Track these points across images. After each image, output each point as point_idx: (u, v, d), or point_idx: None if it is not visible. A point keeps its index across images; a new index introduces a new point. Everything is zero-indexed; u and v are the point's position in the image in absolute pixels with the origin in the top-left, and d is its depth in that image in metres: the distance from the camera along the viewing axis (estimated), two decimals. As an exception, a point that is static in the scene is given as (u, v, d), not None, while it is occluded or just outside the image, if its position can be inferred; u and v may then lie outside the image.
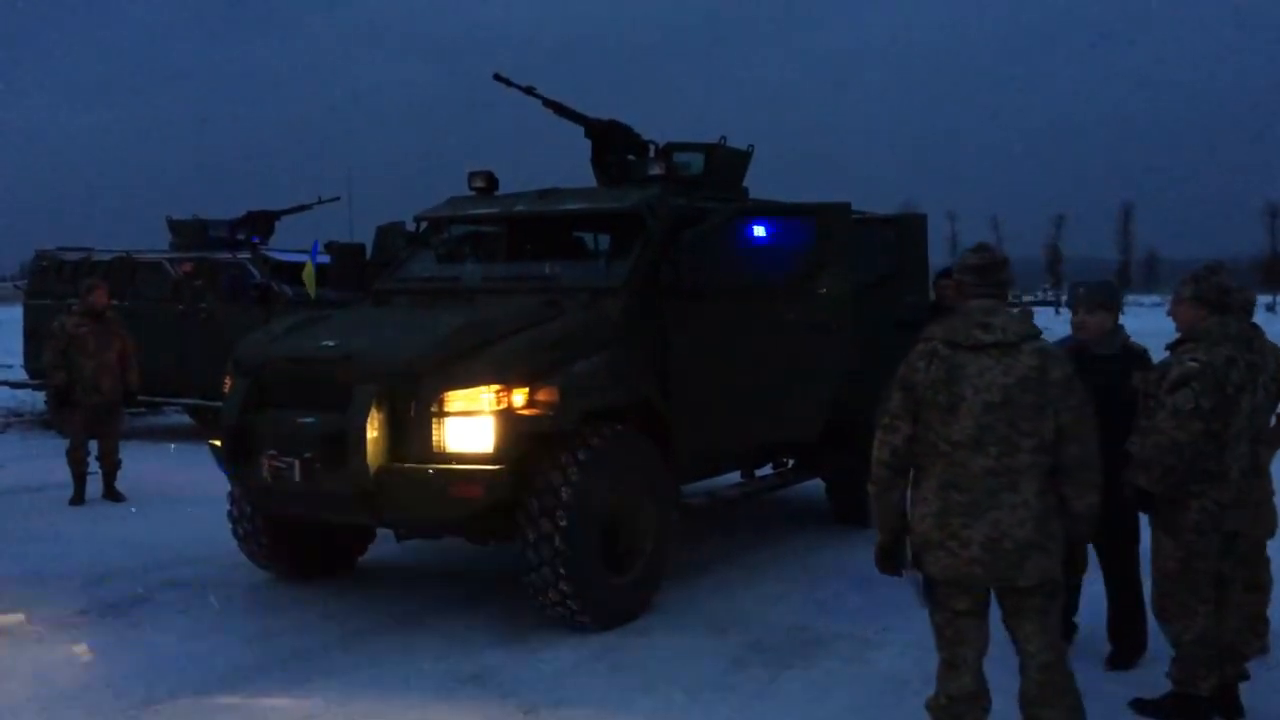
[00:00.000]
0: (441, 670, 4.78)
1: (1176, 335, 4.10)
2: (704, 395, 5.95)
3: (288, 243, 13.43)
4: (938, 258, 8.60)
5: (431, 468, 5.03)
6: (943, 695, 3.38)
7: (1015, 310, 3.49)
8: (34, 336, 12.65)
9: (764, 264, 6.42)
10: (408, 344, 5.23)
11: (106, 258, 12.79)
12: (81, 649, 5.14)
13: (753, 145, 7.30)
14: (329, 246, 12.54)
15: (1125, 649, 4.71)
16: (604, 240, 6.91)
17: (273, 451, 5.25)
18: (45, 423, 12.62)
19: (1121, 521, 4.48)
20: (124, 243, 13.57)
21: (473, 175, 6.82)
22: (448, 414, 5.03)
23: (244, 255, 12.25)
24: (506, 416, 5.03)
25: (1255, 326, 4.31)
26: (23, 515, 8.07)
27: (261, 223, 13.53)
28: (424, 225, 6.93)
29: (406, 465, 5.06)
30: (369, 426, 5.00)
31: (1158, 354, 4.31)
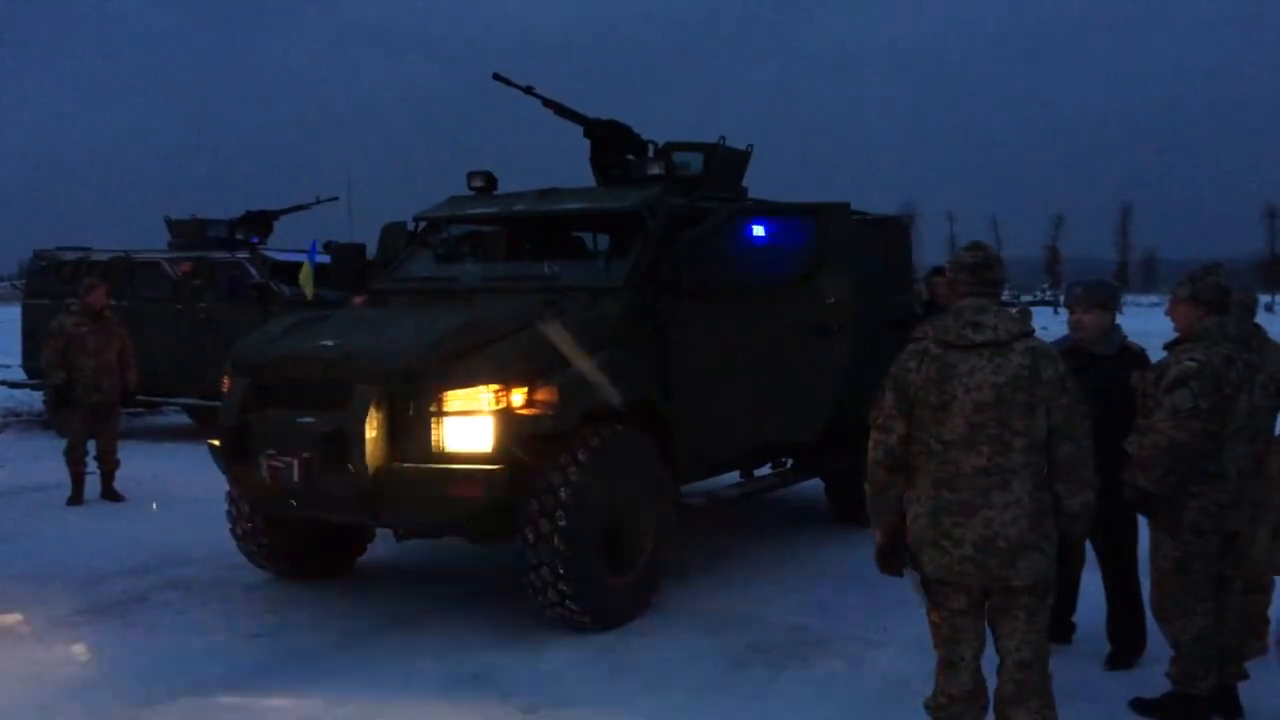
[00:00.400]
0: (441, 670, 4.78)
1: (1175, 335, 4.10)
2: (703, 395, 5.95)
3: (286, 242, 13.44)
4: (936, 258, 8.63)
5: (431, 468, 5.03)
6: (941, 694, 3.38)
7: (1014, 310, 3.48)
8: (32, 336, 12.65)
9: (763, 264, 6.42)
10: (407, 344, 5.23)
11: (105, 257, 12.79)
12: (80, 649, 5.13)
13: (752, 145, 7.30)
14: (327, 246, 12.57)
15: (1124, 648, 4.71)
16: (603, 240, 6.91)
17: (271, 451, 5.25)
18: (44, 422, 12.61)
19: (1120, 521, 4.49)
20: (122, 242, 13.57)
21: (472, 175, 6.82)
22: (447, 414, 5.03)
23: (242, 255, 12.25)
24: (506, 416, 5.03)
25: (1258, 326, 4.31)
26: (21, 515, 8.06)
27: (260, 222, 13.53)
28: (423, 225, 6.93)
29: (405, 465, 5.05)
30: (368, 426, 5.00)
31: (1156, 354, 4.32)
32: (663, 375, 5.76)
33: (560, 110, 6.94)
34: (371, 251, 7.48)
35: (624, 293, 5.72)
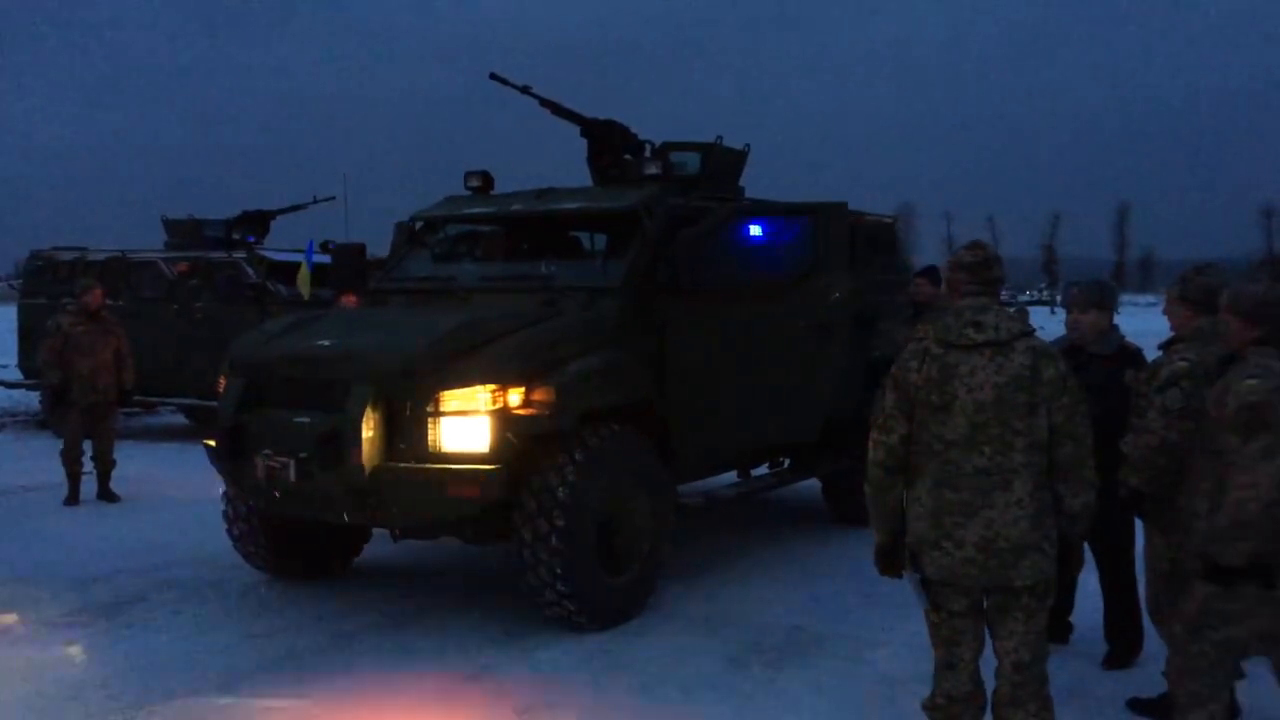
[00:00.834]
0: (438, 670, 4.78)
1: (1171, 335, 4.10)
2: (701, 395, 5.94)
3: (283, 242, 13.43)
4: (934, 258, 8.60)
5: (428, 467, 5.02)
6: (939, 695, 3.37)
7: (1012, 310, 3.47)
8: (29, 336, 12.64)
9: (761, 263, 6.42)
10: (404, 343, 5.22)
11: (101, 257, 12.77)
12: (76, 649, 5.12)
13: (749, 145, 7.30)
14: (325, 245, 12.56)
15: (1121, 648, 4.72)
16: (601, 240, 6.90)
17: (268, 451, 5.24)
18: (40, 422, 12.59)
19: (1118, 522, 4.49)
20: (119, 242, 13.56)
21: (469, 175, 6.81)
22: (444, 413, 5.02)
23: (239, 255, 12.24)
24: (503, 416, 5.02)
25: None
26: (17, 515, 8.05)
27: (257, 222, 13.52)
28: (420, 224, 6.93)
29: (402, 465, 5.05)
30: (365, 426, 4.99)
31: (1152, 353, 4.32)
32: (660, 375, 5.75)
33: (557, 110, 6.94)
34: (372, 251, 7.47)
35: (621, 292, 5.72)
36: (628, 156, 6.90)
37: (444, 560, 6.58)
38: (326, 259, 12.24)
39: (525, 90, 6.90)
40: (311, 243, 12.20)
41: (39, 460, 9.96)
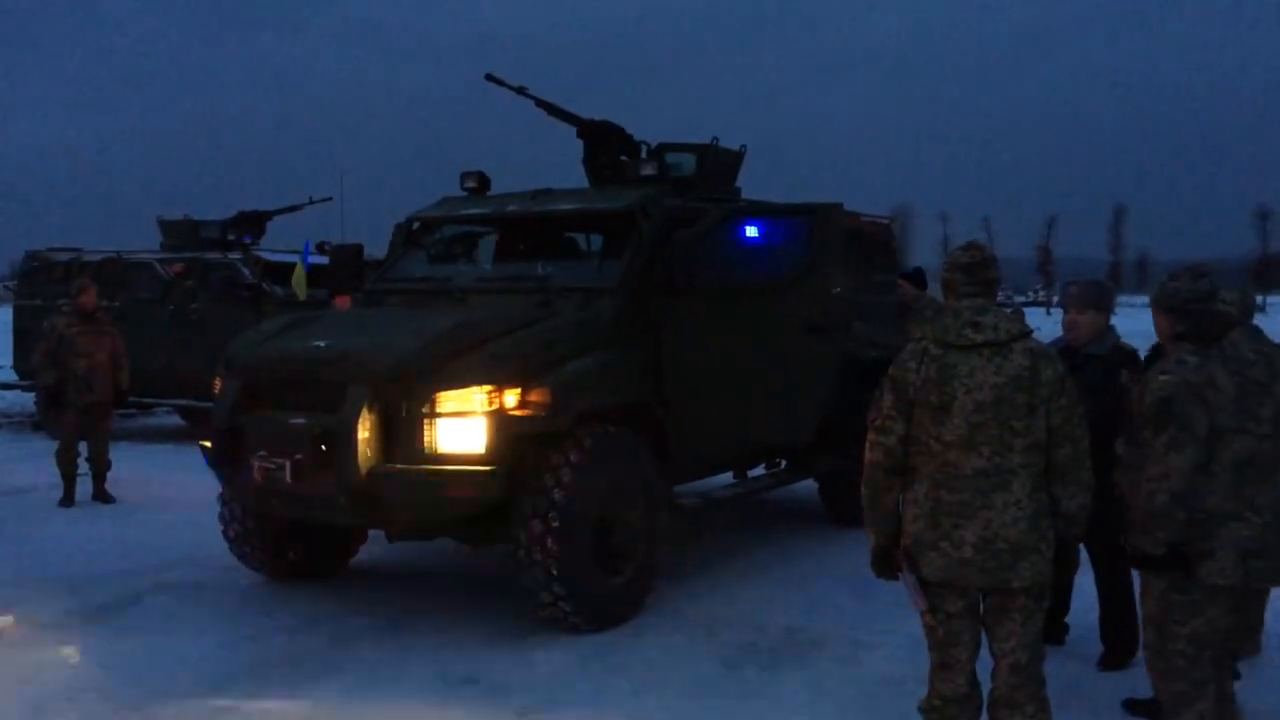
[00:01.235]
0: (434, 672, 4.77)
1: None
2: (697, 396, 5.94)
3: (279, 243, 13.41)
4: (930, 259, 8.60)
5: (423, 469, 5.01)
6: (935, 696, 3.37)
7: (1008, 310, 3.46)
8: (23, 337, 12.61)
9: (757, 264, 6.42)
10: (400, 344, 5.22)
11: (96, 258, 12.74)
12: (71, 651, 5.11)
13: (745, 145, 7.30)
14: (321, 246, 12.55)
15: (1117, 649, 4.72)
16: (597, 241, 6.90)
17: (263, 452, 5.23)
18: (35, 424, 12.56)
19: (1113, 522, 4.49)
20: (114, 243, 13.53)
21: (465, 175, 6.81)
22: (440, 415, 5.01)
23: (235, 256, 12.22)
24: (499, 417, 5.01)
25: (1256, 329, 4.30)
26: (12, 517, 8.02)
27: (253, 223, 13.49)
28: (416, 225, 6.92)
29: (398, 466, 5.04)
30: (360, 427, 4.98)
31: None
32: (656, 376, 5.75)
33: (553, 111, 6.93)
34: (370, 252, 7.45)
35: (617, 293, 5.71)
36: (624, 157, 6.90)
37: (440, 562, 6.57)
38: (323, 260, 12.26)
39: (521, 91, 6.90)
40: (308, 243, 12.19)
41: (34, 461, 9.94)
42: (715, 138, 6.97)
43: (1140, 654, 4.61)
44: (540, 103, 6.91)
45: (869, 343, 7.20)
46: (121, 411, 10.25)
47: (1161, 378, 3.37)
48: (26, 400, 13.55)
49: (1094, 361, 4.58)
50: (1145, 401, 3.38)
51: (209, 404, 5.89)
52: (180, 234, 13.20)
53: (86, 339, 8.46)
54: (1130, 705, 4.23)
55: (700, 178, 6.76)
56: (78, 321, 8.51)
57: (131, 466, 9.50)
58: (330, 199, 14.63)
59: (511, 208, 6.52)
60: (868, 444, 3.36)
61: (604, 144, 6.90)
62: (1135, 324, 9.91)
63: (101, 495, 8.59)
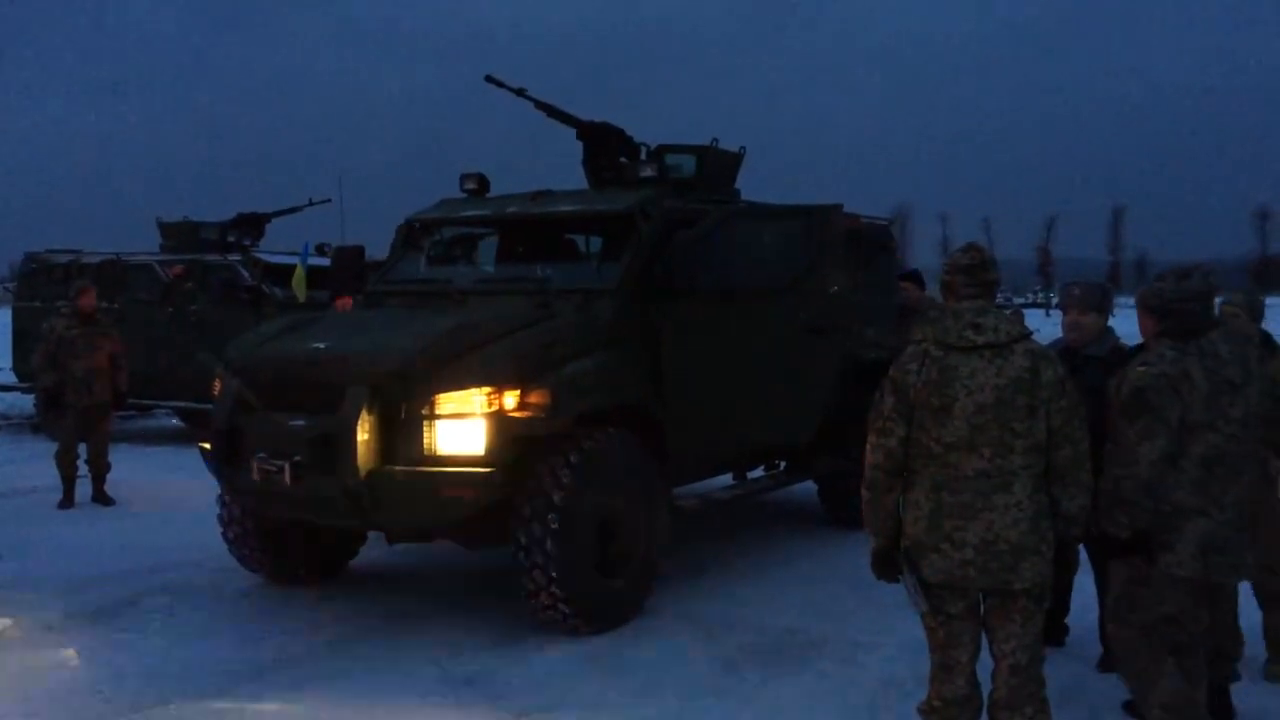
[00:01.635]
0: (433, 674, 4.77)
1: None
2: (696, 397, 5.94)
3: (278, 245, 13.41)
4: (929, 260, 8.58)
5: (423, 470, 5.01)
6: (936, 698, 3.36)
7: (1007, 312, 3.47)
8: (23, 339, 12.61)
9: (756, 266, 6.42)
10: (399, 346, 5.22)
11: (96, 260, 12.74)
12: (70, 653, 5.10)
13: (744, 147, 7.30)
14: (320, 248, 12.55)
15: (1117, 651, 4.71)
16: (596, 242, 6.90)
17: (263, 454, 5.23)
18: (34, 425, 12.56)
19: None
20: (114, 245, 13.53)
21: (465, 177, 6.81)
22: (439, 416, 5.01)
23: (234, 257, 12.23)
24: (498, 419, 5.01)
25: (1268, 336, 4.31)
26: (11, 519, 8.01)
27: (252, 225, 13.50)
28: (415, 226, 6.92)
29: (398, 468, 5.03)
30: (360, 429, 4.98)
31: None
32: (655, 377, 5.74)
33: (552, 112, 6.93)
34: (371, 253, 7.45)
35: (617, 295, 5.71)
36: (623, 159, 6.90)
37: (439, 563, 6.57)
38: (322, 261, 12.27)
39: (520, 93, 6.90)
40: (307, 245, 12.19)
41: (34, 463, 9.94)
42: (715, 139, 6.98)
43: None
44: (540, 104, 6.91)
45: (876, 345, 7.20)
46: (121, 413, 10.24)
47: (1139, 369, 3.47)
48: (26, 402, 13.55)
49: (1094, 363, 4.58)
50: (1122, 392, 3.47)
51: (208, 406, 5.89)
52: (179, 236, 13.21)
53: (86, 341, 8.46)
54: (1130, 706, 4.22)
55: (700, 179, 6.76)
56: (77, 323, 8.51)
57: (131, 468, 9.50)
58: (329, 200, 14.64)
59: (511, 209, 6.52)
60: (868, 446, 3.36)
61: (604, 145, 6.90)
62: (1134, 326, 9.88)
63: (101, 497, 8.58)
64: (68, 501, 8.46)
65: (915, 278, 7.97)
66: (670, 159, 6.75)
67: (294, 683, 4.67)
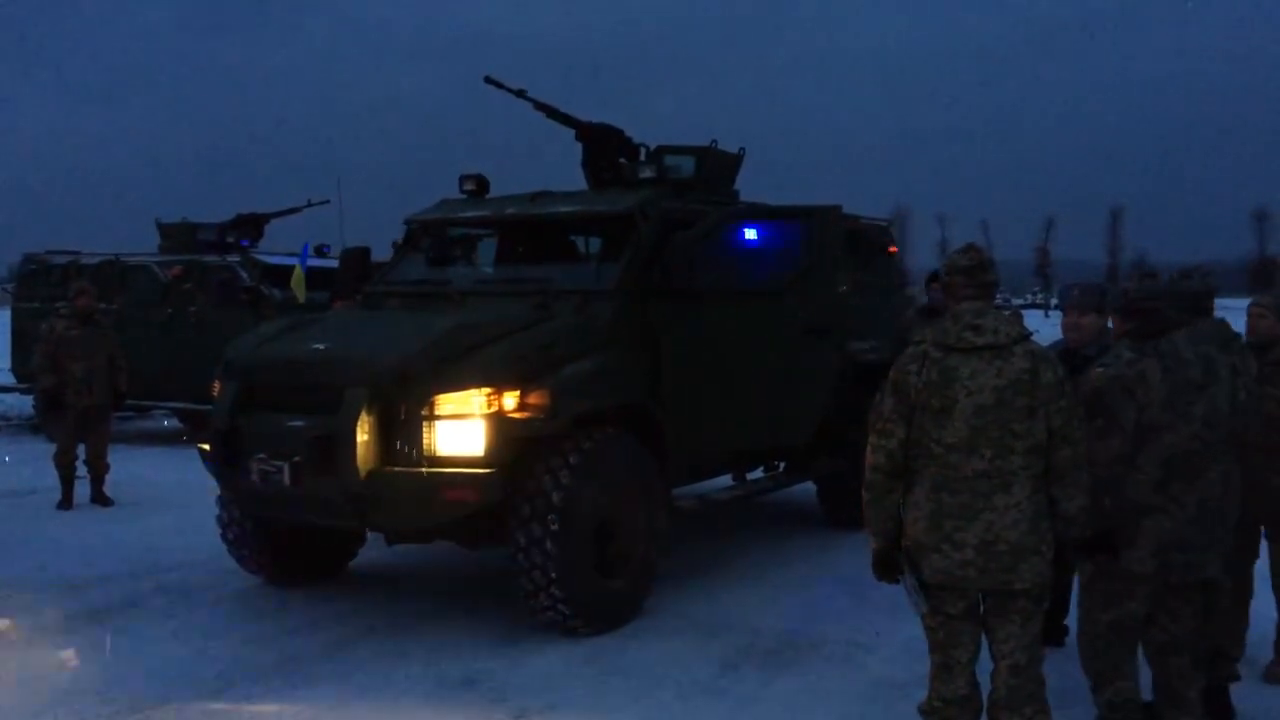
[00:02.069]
0: (432, 675, 4.77)
1: None
2: (696, 398, 5.94)
3: (277, 246, 13.40)
4: (928, 261, 8.57)
5: (422, 471, 5.01)
6: (935, 698, 3.37)
7: (1006, 313, 3.48)
8: (21, 340, 12.60)
9: (755, 267, 6.42)
10: (398, 347, 5.21)
11: (94, 261, 12.74)
12: (68, 654, 5.10)
13: (743, 148, 7.30)
14: (319, 249, 12.54)
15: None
16: (595, 243, 6.90)
17: (262, 455, 5.22)
18: (33, 426, 12.55)
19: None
20: (112, 246, 13.51)
21: (464, 178, 6.80)
22: (438, 417, 5.01)
23: (233, 258, 12.21)
24: (497, 420, 5.01)
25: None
26: (10, 519, 8.01)
27: (251, 226, 13.48)
28: (414, 227, 6.92)
29: (397, 469, 5.03)
30: (359, 430, 4.98)
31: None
32: (654, 378, 5.75)
33: (552, 113, 6.93)
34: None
35: (616, 296, 5.71)
36: (623, 160, 6.90)
37: (438, 564, 6.57)
38: (321, 262, 12.27)
39: (520, 94, 6.89)
40: (306, 246, 12.18)
41: (32, 464, 9.94)
42: (714, 140, 6.98)
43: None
44: (539, 105, 6.91)
45: (871, 349, 7.21)
46: (120, 414, 10.24)
47: (1097, 370, 3.57)
48: (25, 403, 13.53)
49: (1092, 364, 4.58)
50: (1082, 392, 3.55)
51: (207, 407, 5.88)
52: (178, 236, 13.19)
53: (84, 342, 8.46)
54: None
55: (699, 180, 6.76)
56: (76, 324, 8.50)
57: (130, 469, 9.49)
58: (328, 201, 14.63)
59: (510, 210, 6.52)
60: (869, 447, 3.36)
61: (603, 146, 6.90)
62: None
63: (100, 498, 8.58)
64: (66, 502, 8.46)
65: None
66: (669, 160, 6.74)
67: (293, 683, 4.67)
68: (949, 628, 3.30)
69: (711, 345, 6.07)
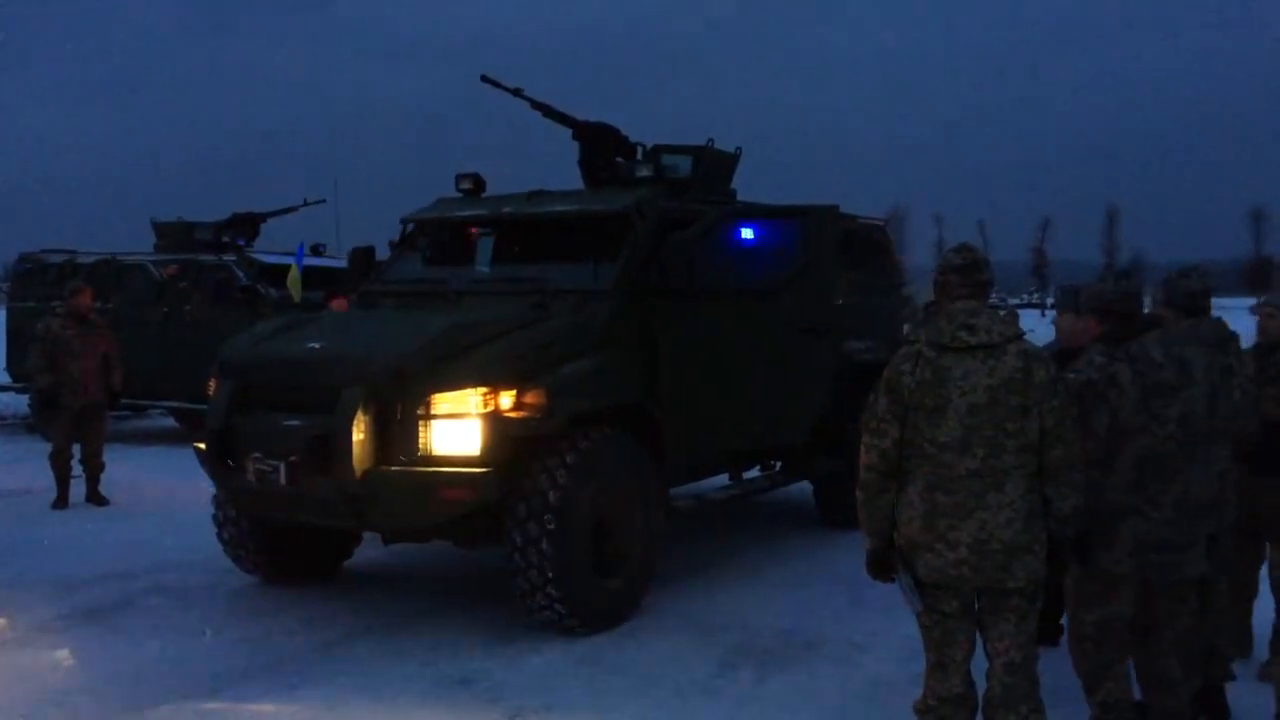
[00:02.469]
0: (429, 674, 4.77)
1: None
2: (692, 398, 5.94)
3: (274, 245, 13.39)
4: (925, 261, 8.57)
5: (418, 470, 5.01)
6: (931, 697, 3.37)
7: (1001, 313, 3.48)
8: (17, 339, 12.58)
9: (752, 266, 6.43)
10: (395, 346, 5.21)
11: (90, 260, 12.73)
12: (64, 654, 5.10)
13: (740, 147, 7.31)
14: (315, 248, 12.53)
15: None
16: (592, 243, 6.89)
17: (258, 454, 5.22)
18: (29, 426, 12.53)
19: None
20: (108, 245, 13.52)
21: (460, 177, 6.80)
22: (435, 416, 5.01)
23: (229, 258, 12.21)
24: (494, 419, 5.01)
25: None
26: (5, 519, 8.01)
27: (247, 225, 13.48)
28: (410, 227, 6.91)
29: (393, 468, 5.03)
30: (355, 429, 4.98)
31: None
32: (651, 378, 5.75)
33: (549, 112, 6.93)
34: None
35: (612, 295, 5.71)
36: (619, 159, 6.90)
37: (435, 564, 6.57)
38: (317, 261, 12.27)
39: (517, 93, 6.89)
40: (302, 245, 12.18)
41: (28, 464, 9.92)
42: (711, 139, 6.99)
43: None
44: (536, 104, 6.91)
45: (867, 350, 7.22)
46: (115, 414, 10.23)
47: (1069, 375, 3.56)
48: (20, 402, 13.51)
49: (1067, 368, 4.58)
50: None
51: (203, 406, 5.88)
52: (174, 236, 13.19)
53: (81, 341, 8.45)
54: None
55: (696, 180, 6.76)
56: (72, 323, 8.50)
57: (125, 469, 9.48)
58: (324, 201, 14.64)
59: (507, 209, 6.52)
60: (863, 447, 3.37)
61: (600, 145, 6.90)
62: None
63: (95, 497, 8.57)
64: (62, 502, 8.45)
65: None
66: (666, 159, 6.75)
67: (290, 683, 4.67)
68: (944, 626, 3.31)
69: (708, 345, 6.07)
